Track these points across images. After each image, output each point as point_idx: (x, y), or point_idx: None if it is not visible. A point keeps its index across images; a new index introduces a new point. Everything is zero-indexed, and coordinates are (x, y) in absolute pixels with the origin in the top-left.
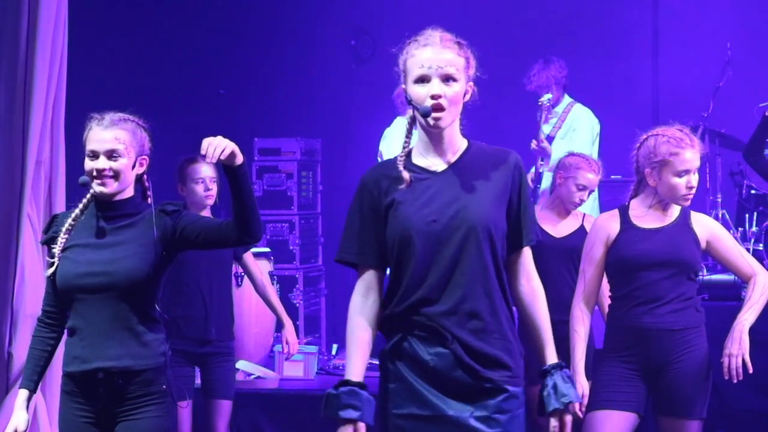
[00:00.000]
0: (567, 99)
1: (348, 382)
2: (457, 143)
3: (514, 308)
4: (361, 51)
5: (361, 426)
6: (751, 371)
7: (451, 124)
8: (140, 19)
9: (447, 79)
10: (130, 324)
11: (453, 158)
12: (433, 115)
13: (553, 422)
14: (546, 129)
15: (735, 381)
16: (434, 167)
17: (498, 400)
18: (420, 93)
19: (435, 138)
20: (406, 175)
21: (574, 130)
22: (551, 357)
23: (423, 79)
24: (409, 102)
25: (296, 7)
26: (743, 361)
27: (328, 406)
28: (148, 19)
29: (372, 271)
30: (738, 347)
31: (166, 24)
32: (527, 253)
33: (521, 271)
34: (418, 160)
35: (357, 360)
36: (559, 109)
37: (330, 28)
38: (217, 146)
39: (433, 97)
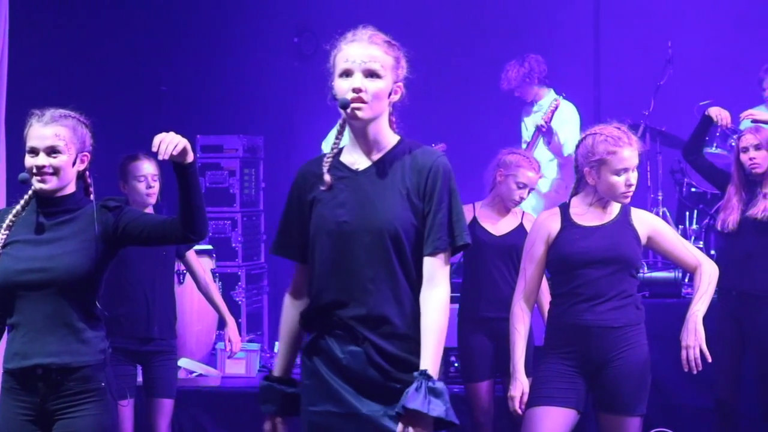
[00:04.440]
0: (552, 94)
1: (269, 377)
2: (384, 140)
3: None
4: (303, 48)
5: (278, 420)
6: (710, 360)
7: (375, 119)
8: (82, 15)
9: (370, 74)
10: (70, 320)
11: (377, 156)
12: (352, 105)
13: (400, 427)
14: (533, 124)
15: (695, 372)
16: (357, 165)
17: None
18: (342, 86)
19: (359, 134)
20: (327, 177)
21: (563, 123)
22: (423, 363)
23: (346, 73)
24: (333, 96)
25: (239, 3)
26: (701, 351)
27: (259, 398)
28: (90, 14)
29: (301, 266)
30: (694, 338)
31: (107, 20)
32: (434, 259)
33: (425, 277)
34: (345, 157)
35: (283, 354)
36: (544, 103)
37: (273, 25)
38: (169, 143)
39: (354, 90)
